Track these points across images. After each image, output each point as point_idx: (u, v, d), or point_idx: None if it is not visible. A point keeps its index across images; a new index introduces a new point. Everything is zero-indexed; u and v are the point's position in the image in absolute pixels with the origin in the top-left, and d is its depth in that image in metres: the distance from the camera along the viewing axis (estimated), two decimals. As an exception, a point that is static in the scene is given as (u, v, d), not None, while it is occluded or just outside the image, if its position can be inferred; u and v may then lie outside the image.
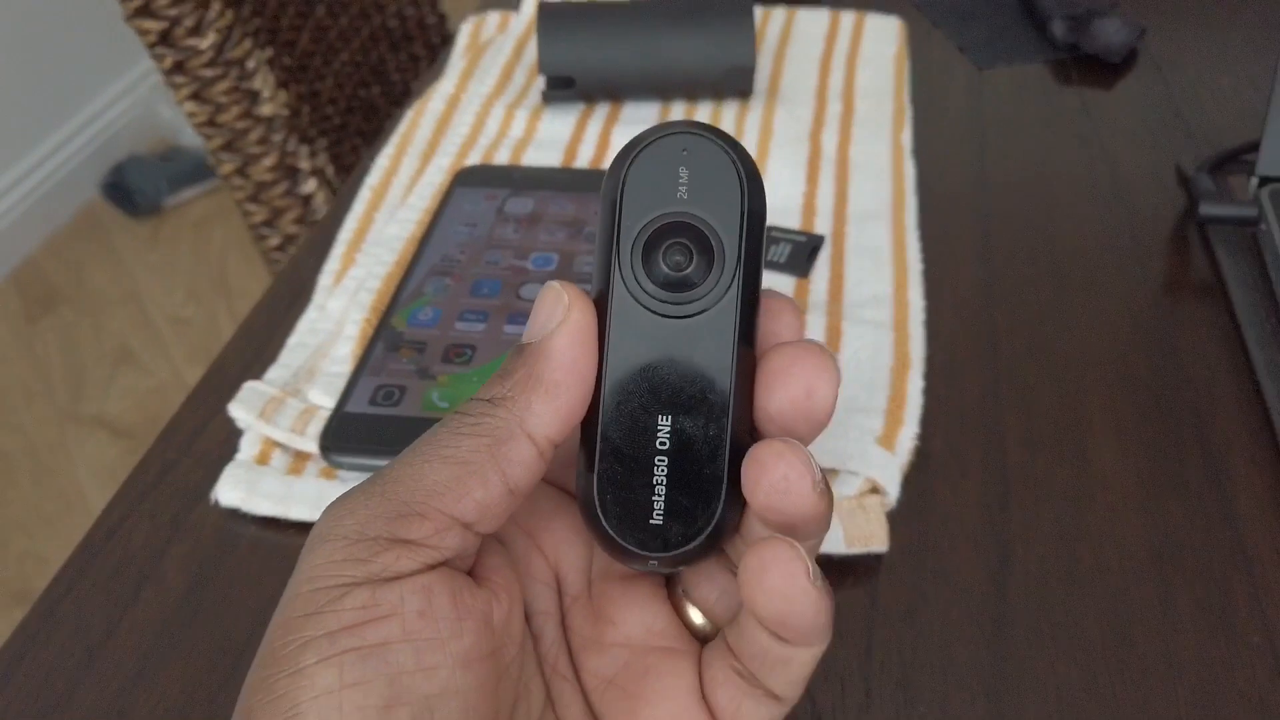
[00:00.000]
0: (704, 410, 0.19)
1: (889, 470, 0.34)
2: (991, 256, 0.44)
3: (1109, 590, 0.32)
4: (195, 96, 0.73)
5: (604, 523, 0.20)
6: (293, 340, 0.39)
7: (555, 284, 0.20)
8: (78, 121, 1.68)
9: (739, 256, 0.19)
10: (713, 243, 0.19)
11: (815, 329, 0.39)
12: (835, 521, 0.32)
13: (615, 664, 0.21)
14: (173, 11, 0.68)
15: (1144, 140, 0.50)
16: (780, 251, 0.42)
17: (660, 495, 0.20)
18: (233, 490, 0.33)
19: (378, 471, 0.20)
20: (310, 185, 0.79)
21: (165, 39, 0.70)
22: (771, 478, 0.19)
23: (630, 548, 0.20)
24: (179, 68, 0.71)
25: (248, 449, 0.35)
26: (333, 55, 0.89)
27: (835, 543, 0.32)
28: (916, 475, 0.35)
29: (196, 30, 0.70)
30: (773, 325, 0.21)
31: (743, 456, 0.20)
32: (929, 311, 0.40)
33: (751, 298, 0.20)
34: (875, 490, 0.33)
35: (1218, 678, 0.30)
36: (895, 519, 0.34)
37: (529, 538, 0.22)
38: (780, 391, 0.20)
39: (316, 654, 0.17)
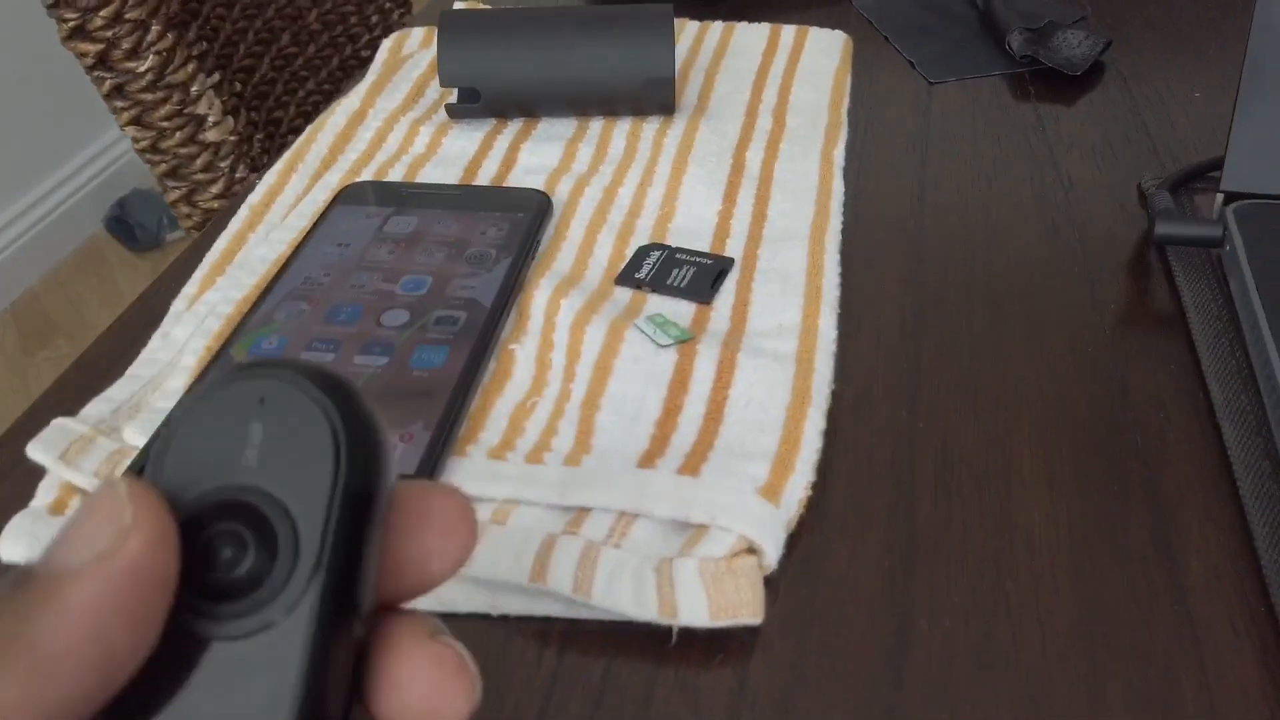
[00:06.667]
0: None
1: (769, 526, 0.29)
2: (921, 283, 0.39)
3: (1026, 675, 0.27)
4: (136, 121, 0.71)
5: None
6: (130, 371, 0.35)
7: (121, 482, 0.13)
8: (83, 157, 1.69)
9: (321, 553, 0.14)
10: (279, 531, 0.14)
11: (705, 363, 0.34)
12: (699, 589, 0.28)
13: None
14: (109, 33, 0.66)
15: (1104, 158, 0.45)
16: (681, 275, 0.38)
17: None
18: (15, 544, 0.29)
19: None
20: (260, 214, 0.76)
21: (103, 62, 0.68)
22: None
23: None
24: (118, 91, 0.69)
25: (43, 496, 0.31)
26: (297, 84, 0.87)
27: (698, 615, 0.27)
28: (807, 532, 0.30)
29: (135, 53, 0.68)
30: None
31: None
32: (841, 343, 0.36)
33: (342, 610, 0.15)
34: (751, 550, 0.29)
35: (1148, 790, 0.24)
36: (776, 584, 0.29)
37: None
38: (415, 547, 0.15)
39: None
